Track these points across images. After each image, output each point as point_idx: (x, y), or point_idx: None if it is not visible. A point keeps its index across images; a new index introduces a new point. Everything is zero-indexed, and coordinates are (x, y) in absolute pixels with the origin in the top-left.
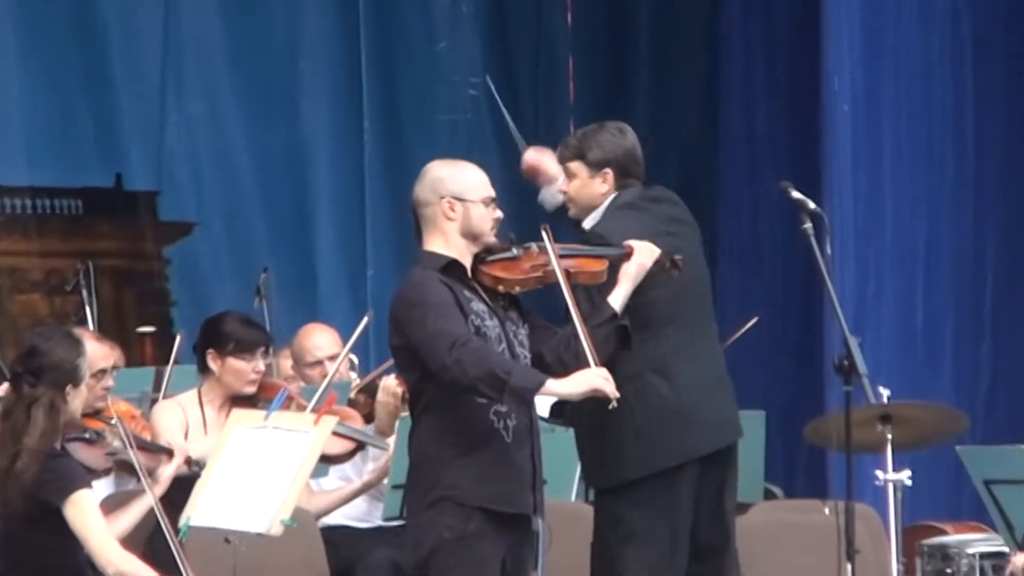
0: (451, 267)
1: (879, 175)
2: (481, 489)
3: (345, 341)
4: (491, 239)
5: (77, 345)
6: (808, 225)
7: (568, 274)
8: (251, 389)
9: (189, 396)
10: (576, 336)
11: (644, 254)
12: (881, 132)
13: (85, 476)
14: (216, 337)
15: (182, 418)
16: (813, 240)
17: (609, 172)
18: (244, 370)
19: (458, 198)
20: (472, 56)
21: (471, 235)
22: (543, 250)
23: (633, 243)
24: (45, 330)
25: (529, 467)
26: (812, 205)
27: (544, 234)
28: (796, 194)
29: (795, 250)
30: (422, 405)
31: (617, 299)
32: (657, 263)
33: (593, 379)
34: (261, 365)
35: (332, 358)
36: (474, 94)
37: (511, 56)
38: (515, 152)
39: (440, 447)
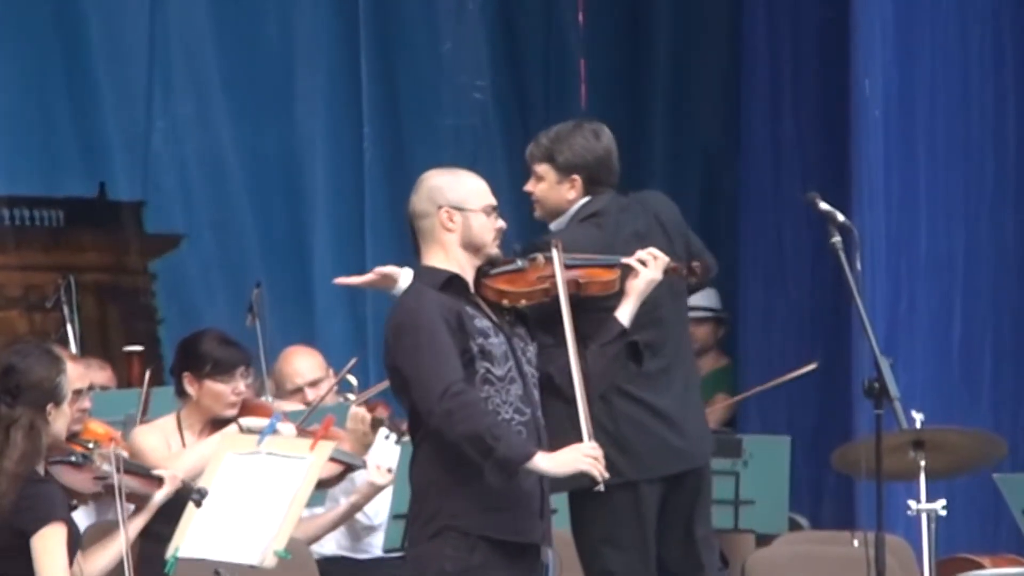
0: (452, 283)
1: (913, 184)
2: (485, 518)
3: (330, 364)
4: (494, 251)
5: (57, 362)
6: (837, 239)
7: (578, 284)
8: (232, 412)
9: (168, 421)
10: (598, 354)
11: (654, 267)
12: (915, 138)
13: (63, 507)
14: (192, 359)
15: (164, 441)
16: (842, 254)
17: (577, 179)
18: (223, 392)
19: (457, 207)
20: (478, 57)
21: (472, 247)
22: (550, 261)
23: (642, 255)
24: (22, 347)
25: (537, 494)
26: (841, 217)
27: (554, 249)
28: (824, 205)
29: (822, 265)
30: (423, 430)
31: (625, 314)
32: (673, 270)
33: (581, 461)
34: (241, 386)
35: (314, 384)
36: (480, 97)
37: (520, 57)
38: (523, 158)
39: (442, 474)
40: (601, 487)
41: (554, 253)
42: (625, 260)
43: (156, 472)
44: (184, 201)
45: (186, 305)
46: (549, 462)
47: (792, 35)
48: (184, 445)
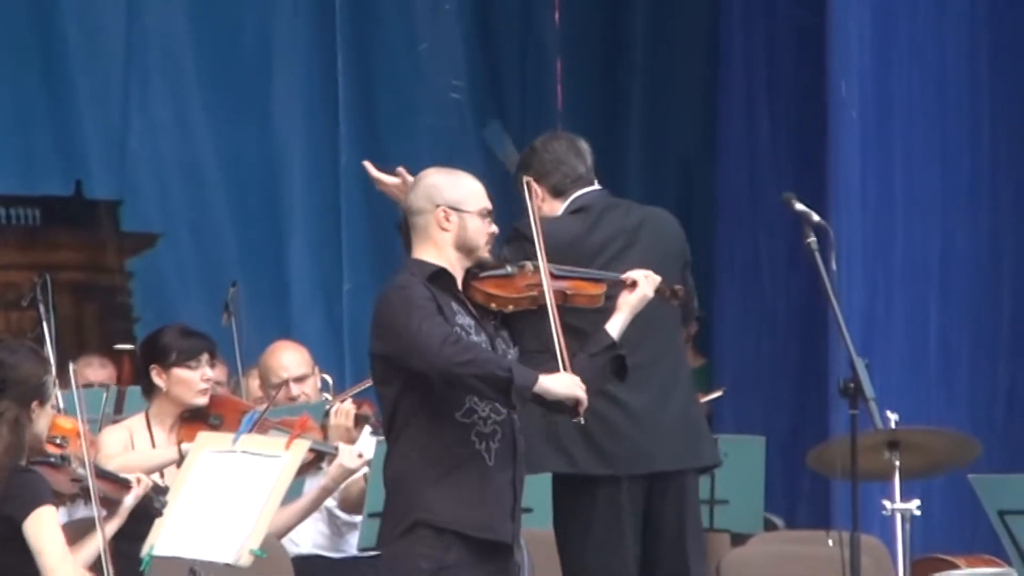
0: (439, 276)
1: (889, 186)
2: (458, 512)
3: (316, 360)
4: (485, 254)
5: (44, 363)
6: (812, 239)
7: (564, 295)
8: (202, 399)
9: (137, 420)
10: (586, 363)
11: (647, 285)
12: (892, 140)
13: (51, 493)
14: (156, 352)
15: (128, 445)
16: (818, 255)
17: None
18: (191, 379)
19: (454, 208)
20: (455, 58)
21: (465, 248)
22: (538, 271)
23: (635, 273)
24: (11, 344)
25: (509, 493)
26: (816, 218)
27: (524, 185)
28: (800, 206)
29: (798, 266)
30: (399, 424)
31: (615, 328)
32: (658, 291)
33: (576, 387)
34: (208, 372)
35: (299, 379)
36: (457, 98)
37: (496, 58)
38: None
39: (416, 469)
40: (581, 420)
41: (525, 188)
42: (621, 276)
43: (124, 476)
44: (160, 200)
45: (162, 304)
46: (552, 382)
47: (768, 37)
48: (153, 442)
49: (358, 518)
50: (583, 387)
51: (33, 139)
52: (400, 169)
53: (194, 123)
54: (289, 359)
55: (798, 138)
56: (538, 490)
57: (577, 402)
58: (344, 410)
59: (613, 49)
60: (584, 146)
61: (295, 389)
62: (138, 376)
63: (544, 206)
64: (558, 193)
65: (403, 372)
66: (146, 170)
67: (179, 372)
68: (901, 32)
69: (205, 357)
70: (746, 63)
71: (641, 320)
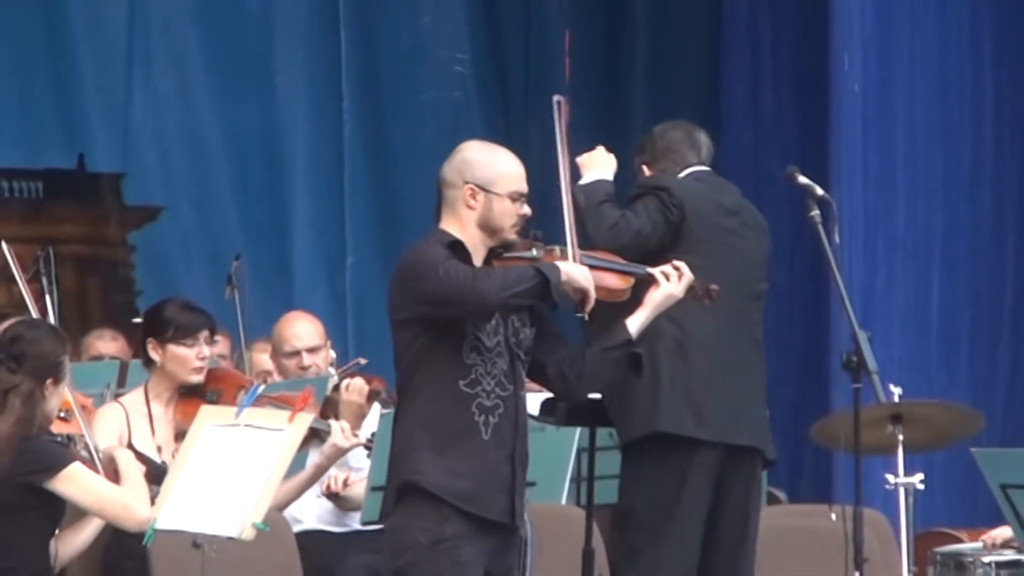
0: (456, 247)
1: (891, 159)
2: (444, 480)
3: (328, 333)
4: (511, 236)
5: (63, 341)
6: (815, 212)
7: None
8: (197, 377)
9: (135, 395)
10: (597, 355)
11: (675, 285)
12: (894, 113)
13: (69, 453)
14: (155, 324)
15: (121, 425)
16: (821, 228)
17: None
18: (186, 356)
19: (482, 187)
20: (458, 31)
21: (489, 228)
22: (566, 255)
23: (667, 269)
24: (33, 320)
25: (506, 470)
26: (820, 191)
27: (555, 104)
28: (803, 179)
29: (801, 239)
30: (409, 394)
31: (635, 324)
32: (690, 290)
33: (589, 280)
34: (205, 351)
35: (312, 350)
36: (460, 71)
37: (499, 31)
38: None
39: (414, 437)
40: (585, 316)
41: (555, 107)
42: (650, 271)
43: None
44: (163, 173)
45: (165, 277)
46: (572, 269)
47: (772, 11)
48: (151, 415)
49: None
50: (591, 280)
51: (36, 112)
52: None
53: (197, 96)
54: (302, 329)
55: (801, 112)
56: (540, 464)
57: (584, 295)
58: (356, 386)
59: (617, 25)
60: (702, 137)
61: (307, 359)
62: (137, 349)
63: None
64: None
65: (430, 332)
66: (149, 143)
67: (175, 348)
68: (903, 6)
69: (204, 335)
70: (750, 38)
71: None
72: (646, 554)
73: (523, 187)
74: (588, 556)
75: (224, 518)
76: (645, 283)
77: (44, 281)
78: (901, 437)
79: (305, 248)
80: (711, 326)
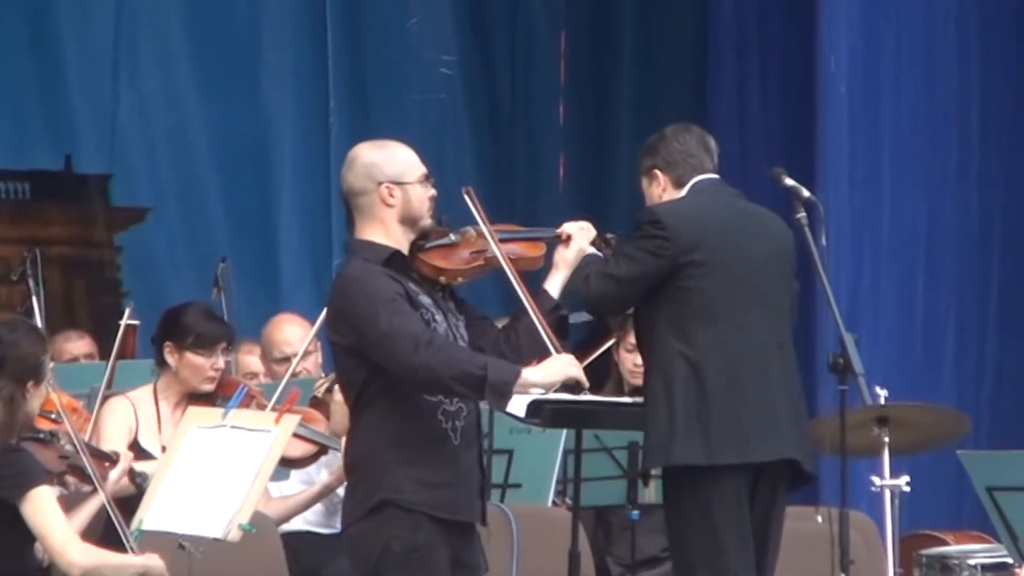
0: (394, 259)
1: (878, 161)
2: (426, 494)
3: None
4: (428, 222)
5: (43, 342)
6: (802, 214)
7: (509, 260)
8: (209, 387)
9: (144, 391)
10: (532, 325)
11: (582, 238)
12: (880, 115)
13: (44, 472)
14: (175, 329)
15: (130, 419)
16: (807, 230)
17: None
18: (202, 366)
19: (396, 182)
20: (445, 33)
21: (410, 220)
22: (481, 235)
23: (569, 226)
24: (10, 320)
25: (476, 472)
26: (806, 193)
27: (465, 196)
28: (789, 181)
29: None
30: (363, 404)
31: (555, 287)
32: (592, 243)
33: (566, 367)
34: (221, 362)
35: (301, 355)
36: (447, 72)
37: (486, 33)
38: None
39: (381, 448)
40: (586, 392)
41: (477, 218)
42: (557, 231)
43: (108, 451)
44: (150, 174)
45: (151, 278)
46: (538, 373)
47: (759, 13)
48: (159, 415)
49: None
50: (576, 364)
51: (23, 113)
52: None
53: (184, 97)
54: (292, 333)
55: (787, 113)
56: (526, 466)
57: (576, 382)
58: None
59: (605, 26)
60: (713, 143)
61: (297, 364)
62: (154, 345)
63: (664, 195)
64: (680, 184)
65: (367, 361)
66: (136, 144)
67: (192, 356)
68: (889, 8)
69: (221, 346)
70: (736, 38)
71: (776, 304)
72: None
73: (424, 168)
74: (574, 559)
75: (210, 519)
76: (554, 244)
77: (31, 282)
78: (887, 439)
79: (292, 249)
80: (724, 339)
